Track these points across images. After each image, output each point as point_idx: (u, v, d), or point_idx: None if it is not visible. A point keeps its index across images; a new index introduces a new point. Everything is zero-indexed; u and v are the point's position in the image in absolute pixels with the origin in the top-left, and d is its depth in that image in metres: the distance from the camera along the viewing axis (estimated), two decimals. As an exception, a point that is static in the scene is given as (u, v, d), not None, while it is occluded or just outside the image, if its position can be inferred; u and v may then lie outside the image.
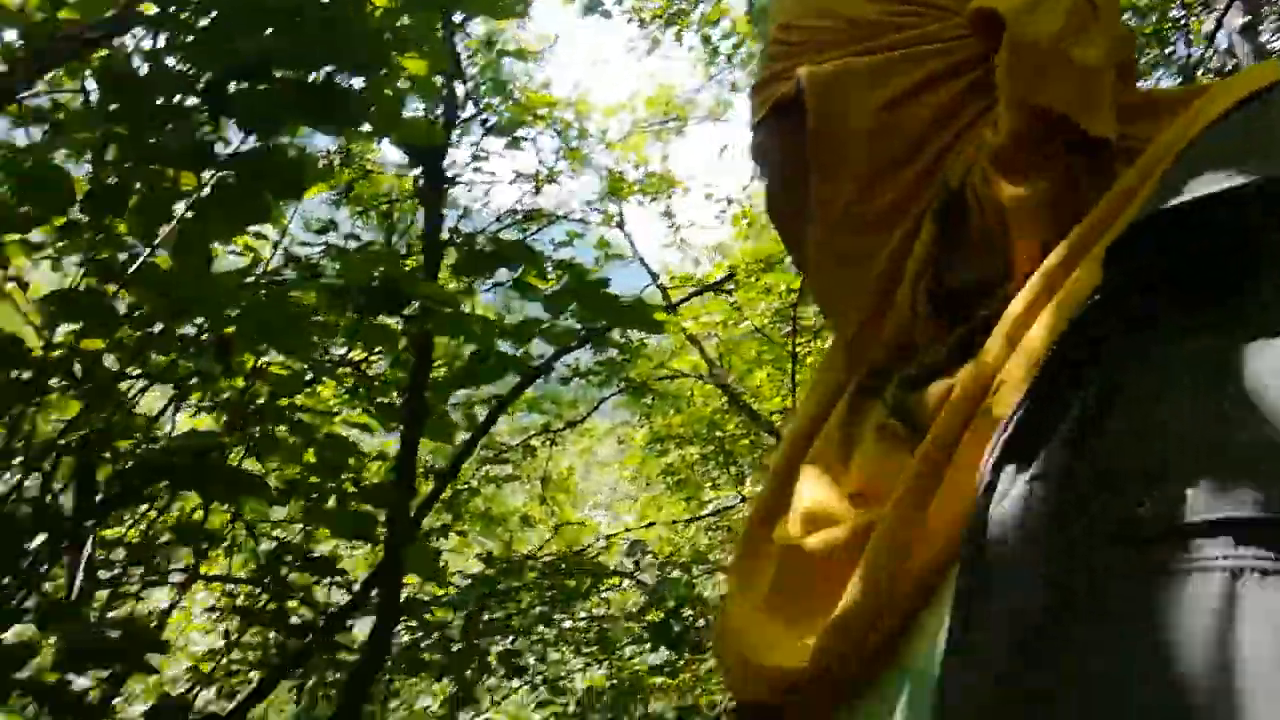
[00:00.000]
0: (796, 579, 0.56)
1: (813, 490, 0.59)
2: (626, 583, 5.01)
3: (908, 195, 0.58)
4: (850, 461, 0.59)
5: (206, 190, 1.67)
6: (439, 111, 3.19)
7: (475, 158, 4.48)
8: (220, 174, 1.62)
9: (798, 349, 4.16)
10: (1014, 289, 0.52)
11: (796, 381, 4.24)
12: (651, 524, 5.49)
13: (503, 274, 2.46)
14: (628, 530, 5.12)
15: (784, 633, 0.55)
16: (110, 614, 2.49)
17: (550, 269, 2.35)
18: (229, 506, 2.28)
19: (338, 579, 2.20)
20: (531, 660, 4.27)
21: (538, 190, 5.74)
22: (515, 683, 4.31)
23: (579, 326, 2.16)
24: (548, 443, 6.38)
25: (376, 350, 2.52)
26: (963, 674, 0.44)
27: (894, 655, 0.50)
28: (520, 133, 4.92)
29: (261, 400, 2.52)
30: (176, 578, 2.47)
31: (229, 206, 1.62)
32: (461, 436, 3.44)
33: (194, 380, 2.47)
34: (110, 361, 2.01)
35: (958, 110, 0.57)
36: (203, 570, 2.25)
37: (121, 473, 1.85)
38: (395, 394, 2.49)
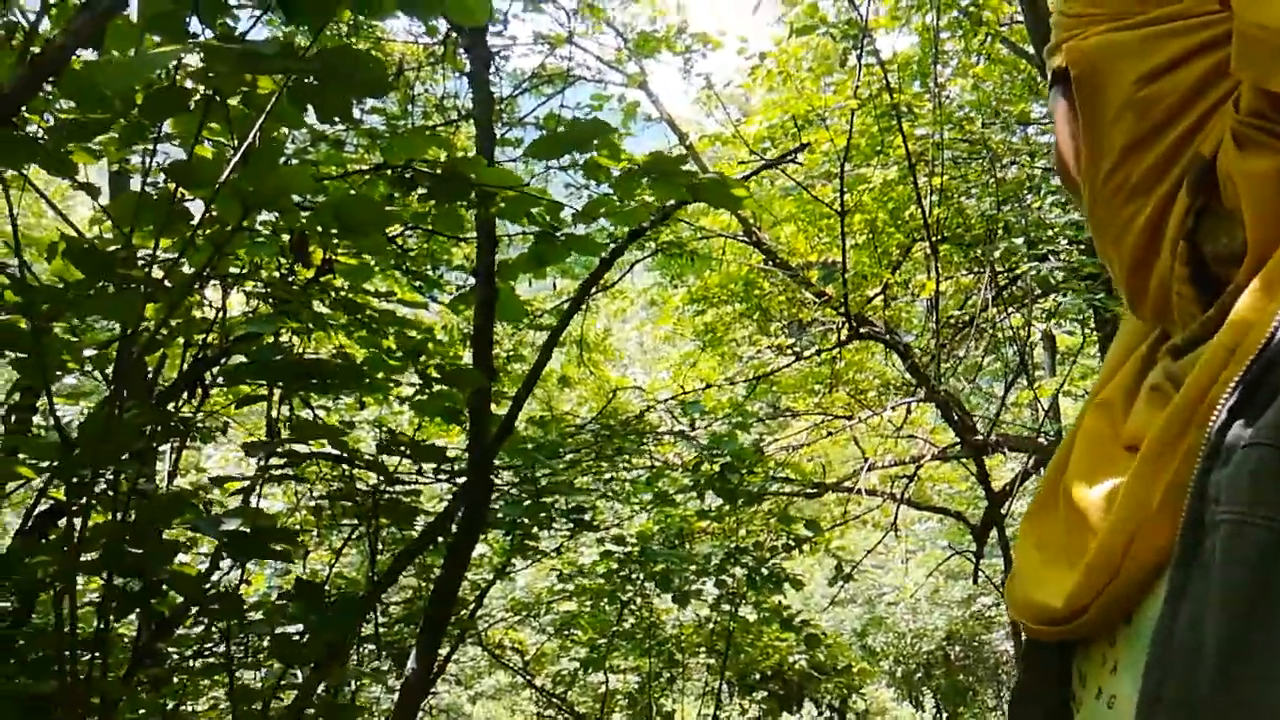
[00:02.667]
0: (1071, 525, 0.61)
1: (1094, 439, 0.64)
2: (667, 438, 5.16)
3: (1163, 165, 0.60)
4: (1129, 413, 0.63)
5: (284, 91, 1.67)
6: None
7: (494, 21, 4.35)
8: (298, 74, 1.62)
9: (845, 204, 4.14)
10: (1251, 262, 0.55)
11: (846, 236, 4.24)
12: (709, 386, 5.60)
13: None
14: (684, 391, 5.24)
15: (1054, 573, 0.60)
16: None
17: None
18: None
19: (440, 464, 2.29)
20: (589, 515, 4.45)
21: (554, 49, 5.60)
22: (581, 536, 4.52)
23: (652, 202, 2.16)
24: (584, 309, 6.43)
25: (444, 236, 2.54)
26: (1170, 645, 0.48)
27: (1129, 610, 0.55)
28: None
29: (337, 291, 2.58)
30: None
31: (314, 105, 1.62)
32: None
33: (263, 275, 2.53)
34: (183, 261, 2.05)
35: (1211, 83, 0.58)
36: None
37: (230, 372, 1.92)
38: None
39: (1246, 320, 0.52)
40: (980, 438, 5.00)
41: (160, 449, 2.38)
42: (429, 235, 3.53)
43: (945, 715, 10.37)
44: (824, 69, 5.27)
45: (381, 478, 2.52)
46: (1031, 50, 5.53)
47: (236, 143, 1.90)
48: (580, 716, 6.88)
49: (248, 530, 1.72)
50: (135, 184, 2.36)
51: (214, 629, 2.00)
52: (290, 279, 2.44)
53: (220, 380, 1.97)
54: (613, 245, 2.63)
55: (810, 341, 6.58)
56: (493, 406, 2.76)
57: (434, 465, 2.34)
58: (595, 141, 2.11)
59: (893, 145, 4.81)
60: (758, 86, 5.63)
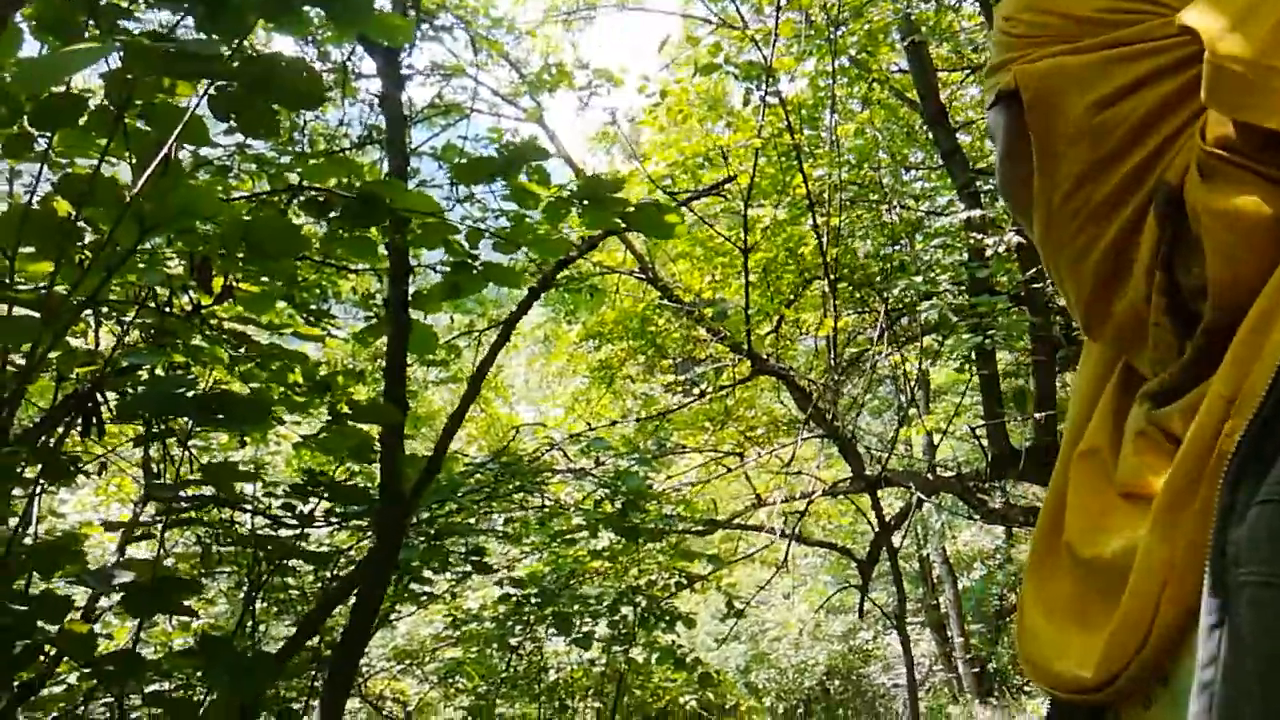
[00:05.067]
0: (1083, 585, 0.60)
1: (1088, 491, 0.63)
2: (566, 476, 5.07)
3: (1121, 191, 0.59)
4: (1118, 457, 0.62)
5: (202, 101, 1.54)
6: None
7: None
8: (220, 83, 1.48)
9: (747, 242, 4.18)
10: (1214, 299, 0.55)
11: (750, 272, 4.27)
12: (614, 423, 5.53)
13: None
14: (589, 427, 5.16)
15: (1075, 638, 0.59)
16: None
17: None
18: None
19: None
20: (488, 558, 4.31)
21: (449, 79, 5.48)
22: (471, 579, 4.37)
23: (573, 232, 2.08)
24: (474, 343, 6.30)
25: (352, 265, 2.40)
26: (1209, 694, 0.47)
27: (1163, 671, 0.54)
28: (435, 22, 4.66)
29: (219, 322, 2.40)
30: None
31: (237, 116, 1.49)
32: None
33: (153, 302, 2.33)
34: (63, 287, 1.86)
35: (1171, 110, 0.57)
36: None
37: (124, 401, 1.73)
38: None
39: (1240, 367, 0.51)
40: (873, 473, 5.10)
41: (14, 493, 2.14)
42: (317, 266, 3.36)
43: (826, 750, 10.46)
44: (723, 109, 5.34)
45: (267, 520, 2.34)
46: (914, 97, 5.76)
47: (133, 160, 1.74)
48: (465, 767, 6.60)
49: (146, 585, 1.55)
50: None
51: (101, 691, 1.79)
52: (169, 308, 2.25)
53: (114, 414, 1.78)
54: (534, 276, 2.54)
55: (699, 379, 6.60)
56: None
57: (332, 508, 2.18)
58: (526, 166, 2.03)
59: (793, 185, 4.90)
60: (655, 124, 5.65)
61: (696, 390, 5.85)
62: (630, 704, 7.45)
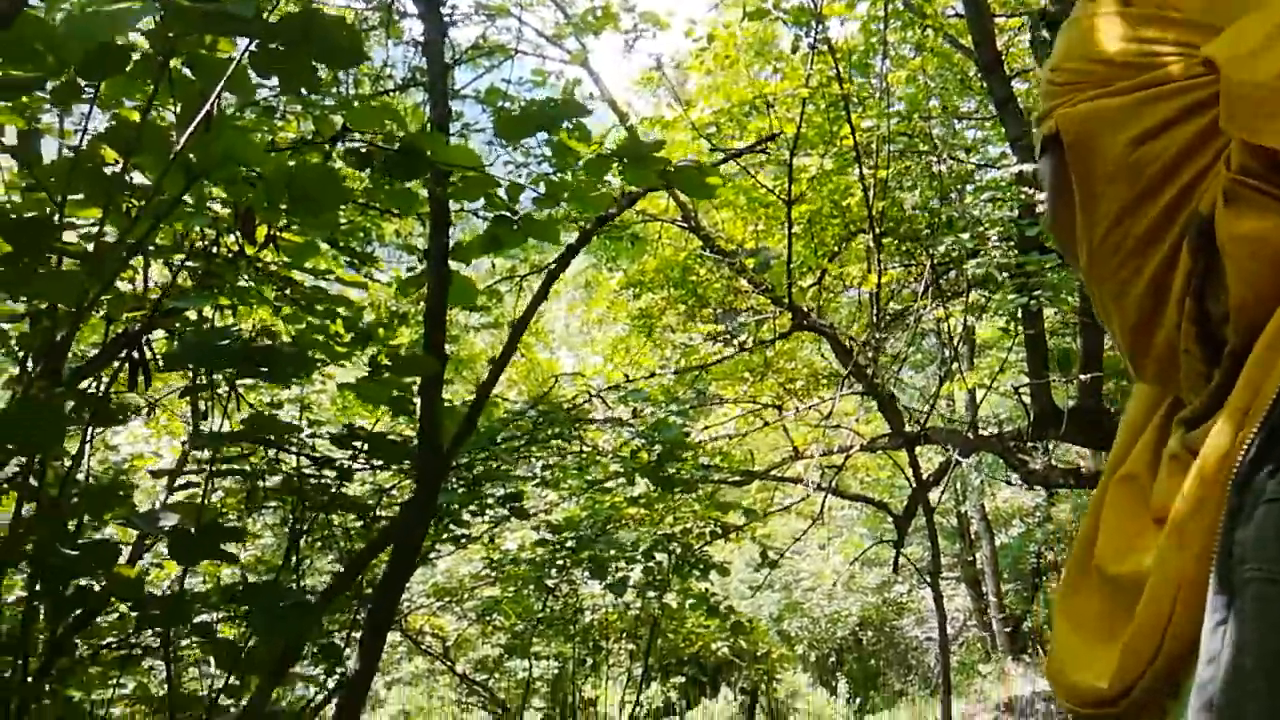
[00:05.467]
0: (1108, 603, 0.62)
1: (1122, 515, 0.65)
2: (603, 425, 5.11)
3: (1158, 226, 0.61)
4: (1154, 483, 0.64)
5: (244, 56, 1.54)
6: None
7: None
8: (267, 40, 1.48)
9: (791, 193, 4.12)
10: (1236, 323, 0.56)
11: (794, 224, 4.22)
12: (652, 375, 5.55)
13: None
14: (626, 380, 5.18)
15: (1096, 652, 0.61)
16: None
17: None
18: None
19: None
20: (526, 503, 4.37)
21: (493, 19, 5.42)
22: (509, 522, 4.43)
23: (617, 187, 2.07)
24: (515, 288, 6.32)
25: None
26: (1209, 690, 0.48)
27: (1176, 682, 0.55)
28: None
29: (266, 265, 2.43)
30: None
31: (278, 74, 1.49)
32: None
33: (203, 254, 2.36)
34: (111, 233, 1.90)
35: (1202, 145, 0.59)
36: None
37: (172, 355, 1.77)
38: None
39: (1255, 381, 0.53)
40: (912, 430, 5.07)
41: (74, 431, 2.21)
42: (362, 210, 3.38)
43: (857, 699, 10.60)
44: (771, 55, 5.24)
45: (311, 464, 2.38)
46: (968, 44, 5.59)
47: (178, 109, 1.75)
48: (501, 702, 6.80)
49: (192, 530, 1.59)
50: (48, 146, 2.17)
51: (147, 631, 1.86)
52: (215, 251, 2.28)
53: (160, 364, 1.82)
54: (577, 230, 2.53)
55: (741, 328, 6.57)
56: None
57: (375, 456, 2.23)
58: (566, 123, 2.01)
59: (840, 135, 4.80)
60: (701, 70, 5.55)
61: (736, 342, 5.84)
62: (664, 647, 7.59)
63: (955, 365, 6.13)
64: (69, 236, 1.94)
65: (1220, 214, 0.57)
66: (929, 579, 5.69)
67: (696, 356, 6.42)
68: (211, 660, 1.78)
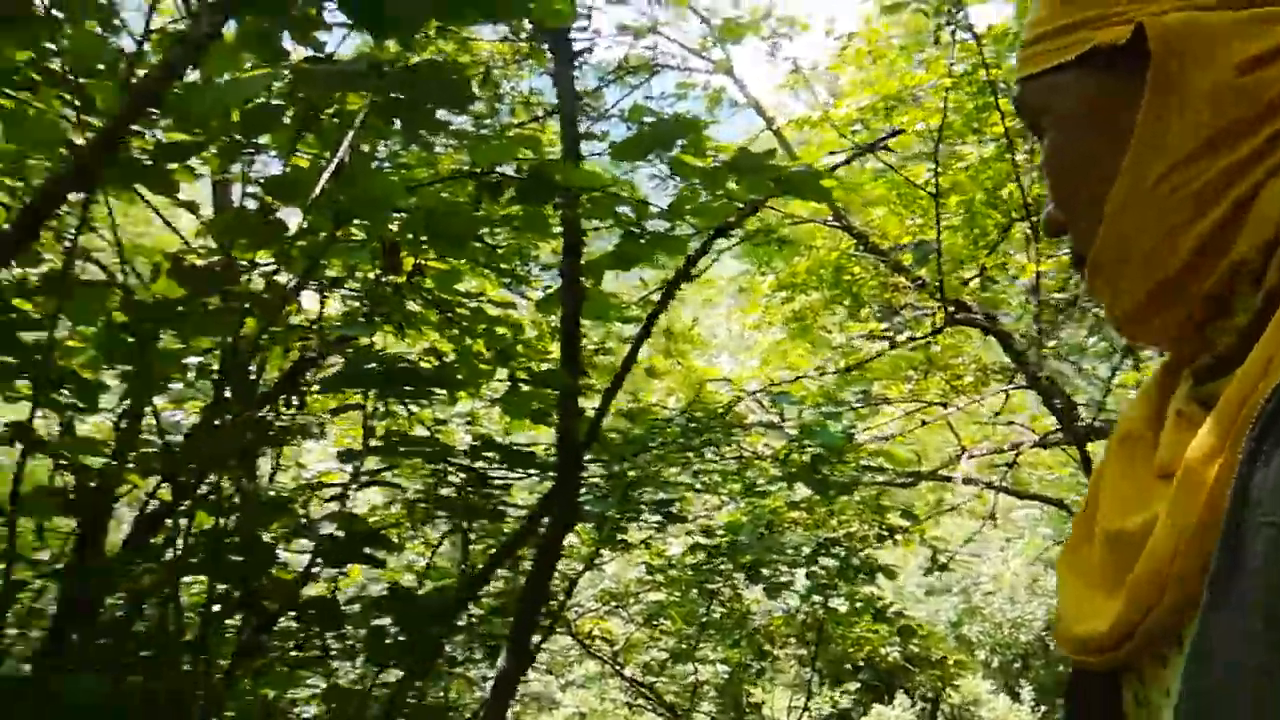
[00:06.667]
0: (1110, 555, 0.59)
1: (1123, 473, 0.62)
2: (757, 429, 5.11)
3: (1233, 173, 0.54)
4: (1159, 438, 0.61)
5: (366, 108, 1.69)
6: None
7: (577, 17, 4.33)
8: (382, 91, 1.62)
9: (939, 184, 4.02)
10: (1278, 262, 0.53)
11: (941, 219, 4.12)
12: (798, 378, 5.53)
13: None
14: (772, 383, 5.19)
15: (1097, 603, 0.59)
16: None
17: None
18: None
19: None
20: (676, 507, 4.44)
21: (637, 38, 5.54)
22: (670, 527, 4.51)
23: (736, 193, 2.12)
24: (647, 302, 6.40)
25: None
26: (1211, 656, 0.47)
27: (1179, 630, 0.53)
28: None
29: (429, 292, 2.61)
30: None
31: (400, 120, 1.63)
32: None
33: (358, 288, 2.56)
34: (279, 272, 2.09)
35: None
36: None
37: (327, 380, 1.95)
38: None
39: (1276, 334, 0.50)
40: (1081, 424, 4.81)
41: (262, 451, 2.44)
42: (517, 231, 3.55)
43: (1043, 708, 10.09)
44: (915, 46, 5.11)
45: (468, 477, 2.54)
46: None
47: (328, 155, 1.93)
48: (669, 706, 6.90)
49: (342, 535, 1.75)
50: (236, 192, 2.42)
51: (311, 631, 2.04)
52: (383, 282, 2.47)
53: (316, 388, 2.01)
54: (699, 242, 2.59)
55: (903, 326, 6.42)
56: (581, 399, 2.76)
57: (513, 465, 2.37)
58: (680, 141, 2.07)
59: (989, 122, 4.63)
60: (847, 67, 5.49)
61: (896, 340, 5.71)
62: (833, 652, 7.48)
63: (1137, 353, 5.76)
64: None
65: None
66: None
67: (857, 356, 6.32)
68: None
